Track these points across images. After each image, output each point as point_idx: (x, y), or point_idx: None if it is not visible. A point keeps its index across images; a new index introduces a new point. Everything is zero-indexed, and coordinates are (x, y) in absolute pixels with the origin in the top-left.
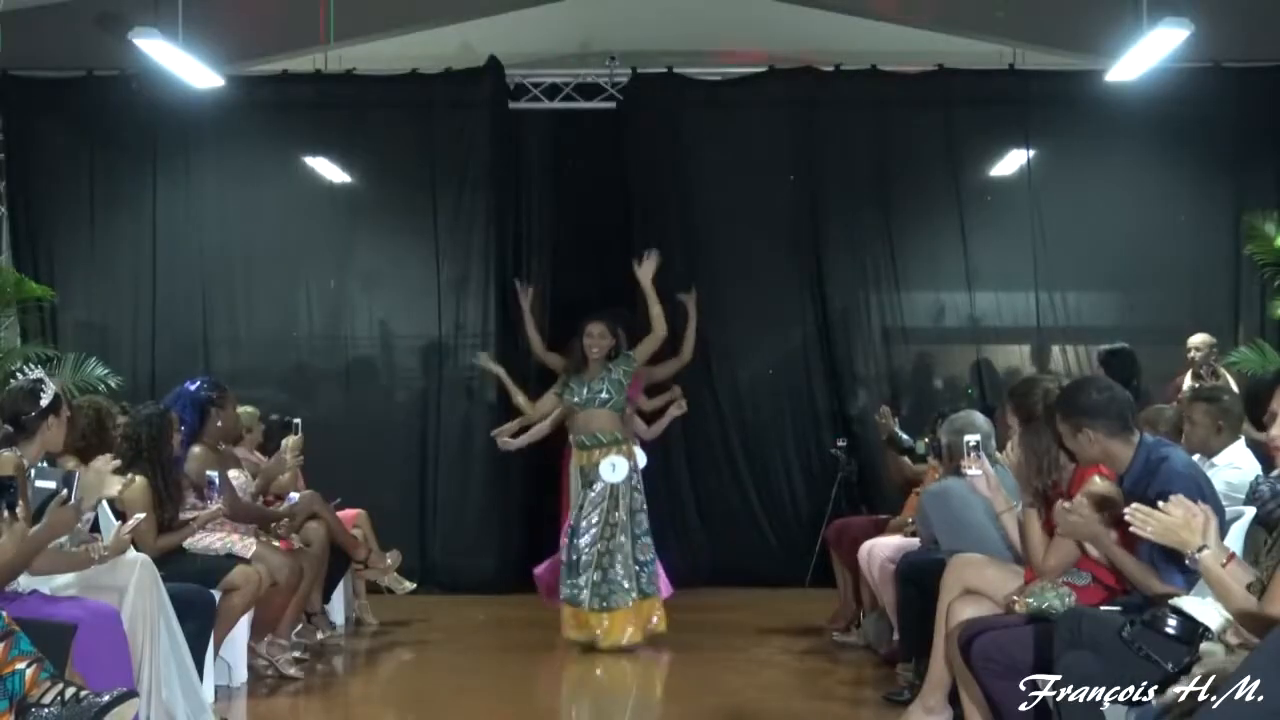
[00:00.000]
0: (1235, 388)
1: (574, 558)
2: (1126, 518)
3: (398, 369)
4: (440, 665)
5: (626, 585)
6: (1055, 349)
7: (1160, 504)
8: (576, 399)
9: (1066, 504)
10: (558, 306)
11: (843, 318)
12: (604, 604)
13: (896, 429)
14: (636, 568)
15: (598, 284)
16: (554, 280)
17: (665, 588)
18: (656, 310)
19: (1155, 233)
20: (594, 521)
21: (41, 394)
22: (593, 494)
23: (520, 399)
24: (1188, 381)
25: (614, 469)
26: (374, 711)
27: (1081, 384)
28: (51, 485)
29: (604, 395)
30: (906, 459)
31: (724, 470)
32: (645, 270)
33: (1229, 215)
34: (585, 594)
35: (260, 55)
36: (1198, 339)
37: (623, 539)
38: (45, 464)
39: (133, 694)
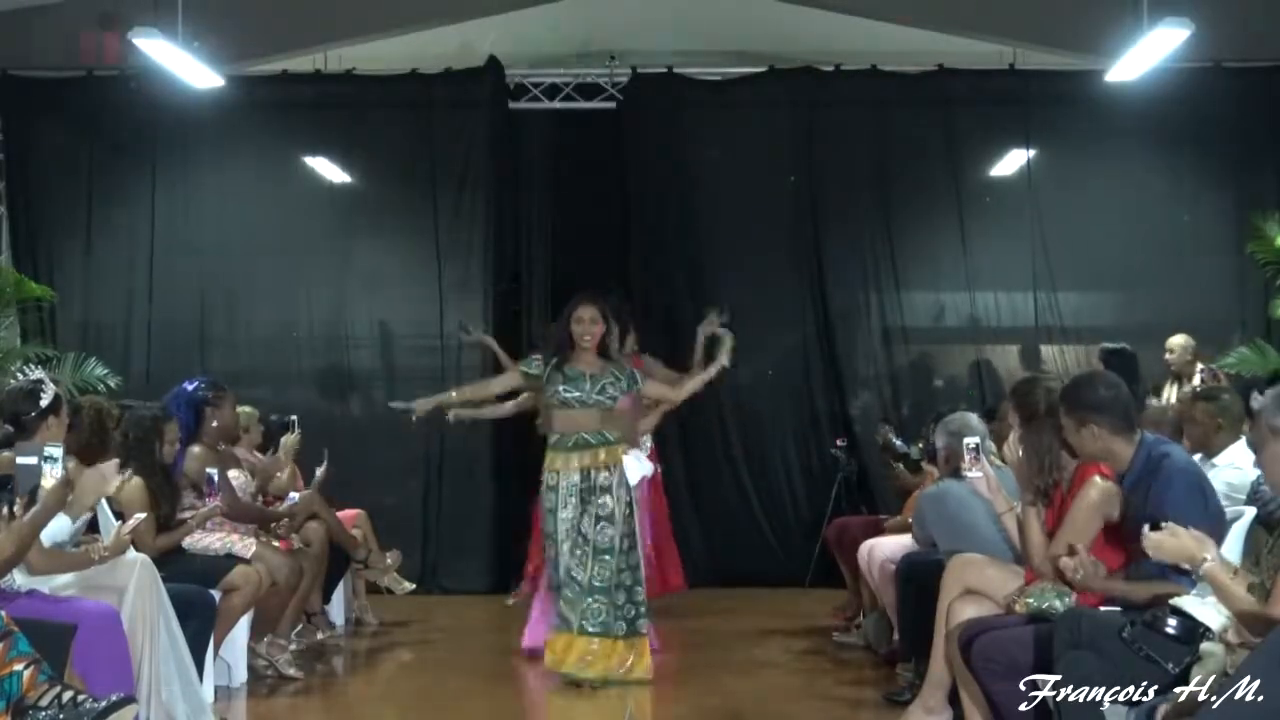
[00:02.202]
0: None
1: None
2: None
3: (398, 369)
4: (440, 665)
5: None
6: (1054, 349)
7: (1161, 526)
8: (572, 394)
9: (1069, 560)
10: (557, 306)
11: (843, 318)
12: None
13: (892, 436)
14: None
15: (597, 283)
16: (554, 280)
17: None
18: (697, 385)
19: (1156, 233)
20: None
21: (42, 394)
22: (610, 505)
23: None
24: (1169, 387)
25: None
26: (374, 711)
27: (1090, 379)
28: (33, 461)
29: (609, 399)
30: (902, 467)
31: (724, 470)
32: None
33: (1230, 215)
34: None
35: (260, 55)
36: (1175, 341)
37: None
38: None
39: (131, 700)
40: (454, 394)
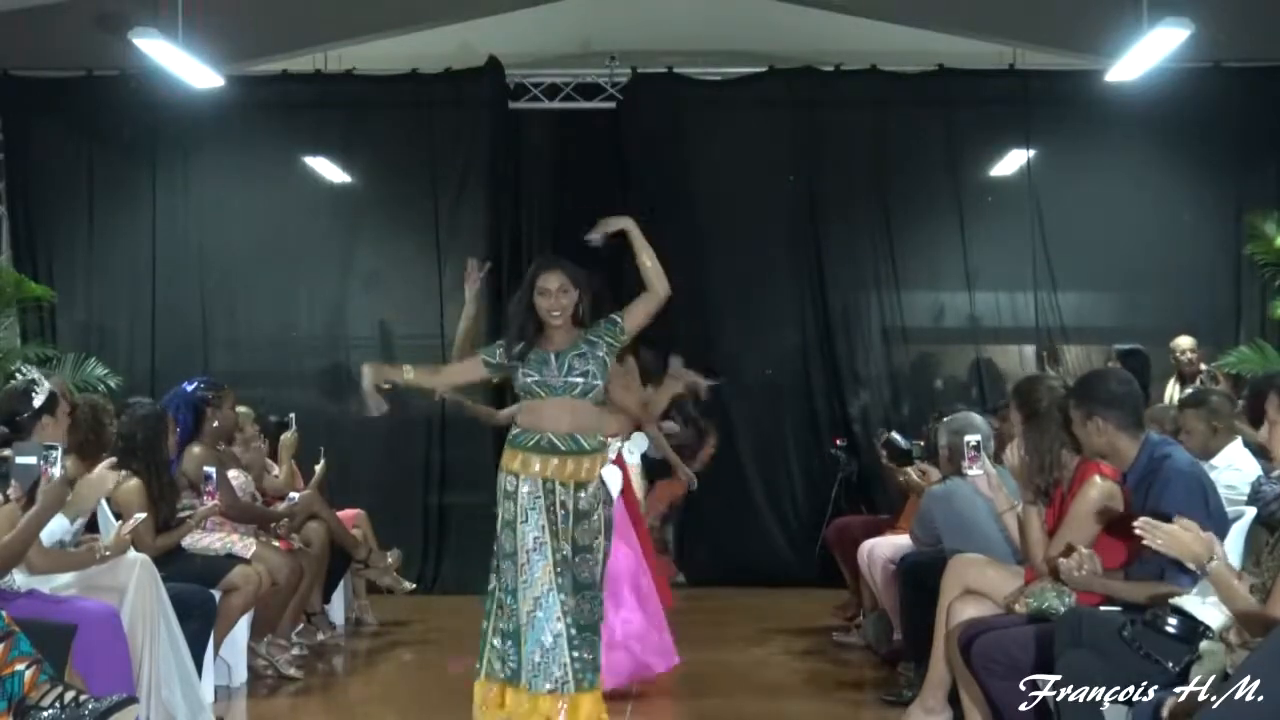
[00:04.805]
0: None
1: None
2: (1137, 530)
3: None
4: (440, 665)
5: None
6: (1054, 348)
7: (1173, 520)
8: (532, 378)
9: (1068, 560)
10: None
11: (843, 318)
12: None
13: (894, 435)
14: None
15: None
16: None
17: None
18: (649, 262)
19: (1155, 233)
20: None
21: (35, 394)
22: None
23: (499, 414)
24: (1172, 386)
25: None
26: (374, 711)
27: (1103, 373)
28: (32, 460)
29: (582, 380)
30: (908, 469)
31: (724, 470)
32: (613, 224)
33: (1229, 215)
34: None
35: (260, 55)
36: (1184, 341)
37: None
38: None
39: (133, 699)
40: (407, 372)
